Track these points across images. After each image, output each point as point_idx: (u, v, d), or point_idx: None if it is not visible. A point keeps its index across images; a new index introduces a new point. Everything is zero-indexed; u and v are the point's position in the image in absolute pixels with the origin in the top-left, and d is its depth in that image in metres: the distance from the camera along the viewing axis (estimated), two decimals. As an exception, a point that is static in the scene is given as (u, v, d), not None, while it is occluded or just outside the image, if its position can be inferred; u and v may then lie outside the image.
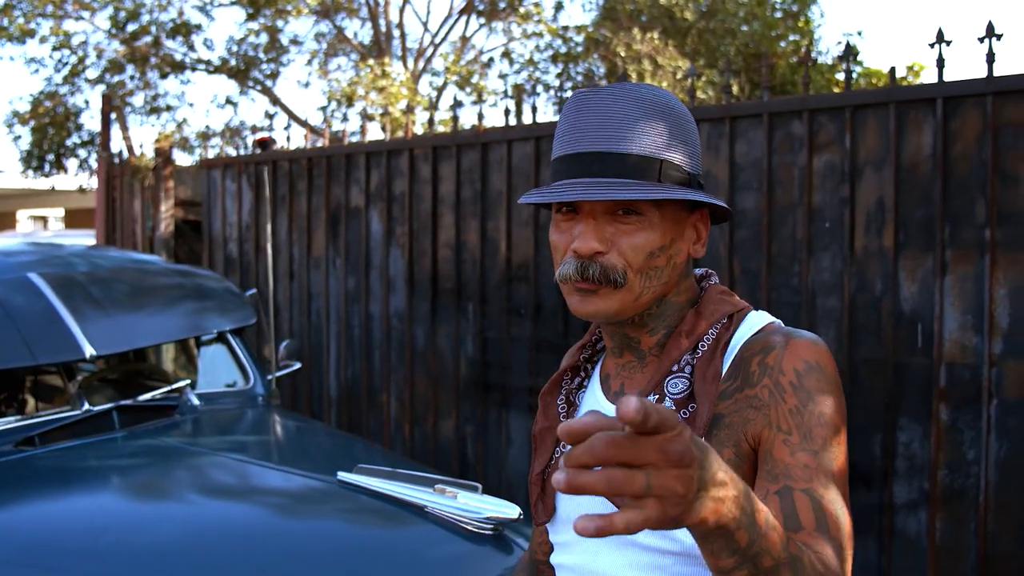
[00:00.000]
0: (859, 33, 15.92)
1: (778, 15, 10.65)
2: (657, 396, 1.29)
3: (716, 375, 1.27)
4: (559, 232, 1.32)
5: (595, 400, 1.41)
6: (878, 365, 3.73)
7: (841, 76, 10.77)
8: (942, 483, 3.59)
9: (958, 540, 3.55)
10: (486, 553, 2.29)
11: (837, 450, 1.20)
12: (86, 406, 3.21)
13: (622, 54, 7.78)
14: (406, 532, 2.42)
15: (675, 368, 1.30)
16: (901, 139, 3.66)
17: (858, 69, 11.15)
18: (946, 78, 3.60)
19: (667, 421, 0.80)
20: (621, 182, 1.24)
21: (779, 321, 1.36)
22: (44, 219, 34.37)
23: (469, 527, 2.33)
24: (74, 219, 26.41)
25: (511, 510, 2.36)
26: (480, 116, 5.11)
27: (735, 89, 7.76)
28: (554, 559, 1.42)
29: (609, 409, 1.37)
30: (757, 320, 1.34)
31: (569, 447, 1.36)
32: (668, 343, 1.33)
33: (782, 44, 10.41)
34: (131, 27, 10.02)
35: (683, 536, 1.23)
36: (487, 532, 2.33)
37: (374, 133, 5.83)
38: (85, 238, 11.46)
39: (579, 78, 9.64)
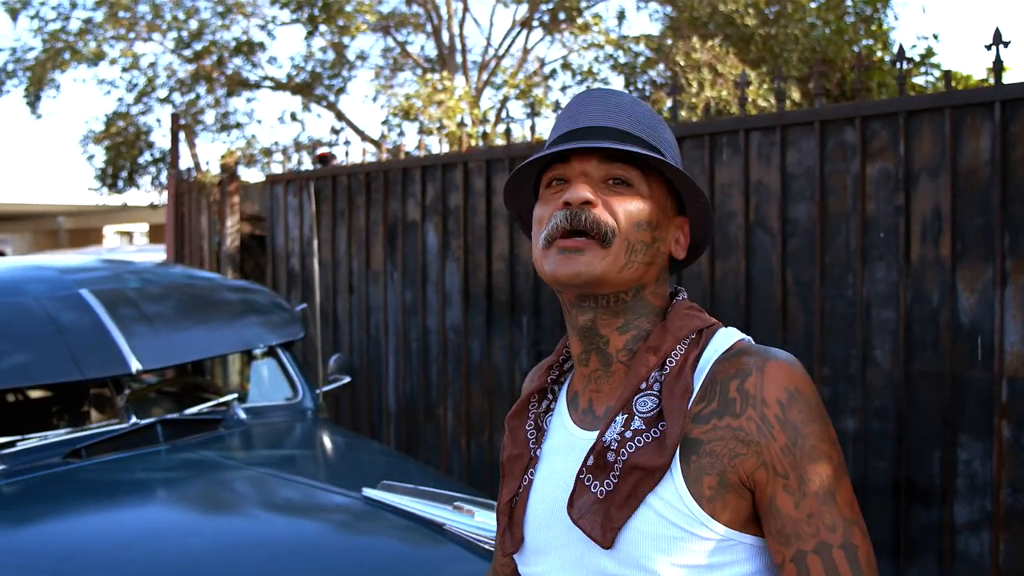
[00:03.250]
0: (935, 36, 15.53)
1: (850, 19, 10.45)
2: (626, 415, 1.25)
3: (686, 391, 1.23)
4: (545, 203, 1.31)
5: (562, 423, 1.37)
6: (936, 379, 3.60)
7: (919, 80, 10.53)
8: (1005, 503, 3.45)
9: (1022, 562, 3.41)
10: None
11: (836, 481, 1.18)
12: (133, 419, 3.26)
13: (681, 63, 7.70)
14: (424, 550, 2.41)
15: (643, 386, 1.27)
16: (957, 145, 3.54)
17: (936, 73, 10.88)
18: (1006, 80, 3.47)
19: None
20: (620, 144, 1.25)
21: (749, 338, 1.33)
22: (130, 234, 35.33)
23: (485, 545, 2.32)
24: (157, 234, 27.09)
25: (527, 529, 2.33)
26: (532, 128, 5.09)
27: (797, 96, 7.62)
28: None
29: (576, 432, 1.33)
30: (727, 337, 1.30)
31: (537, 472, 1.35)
32: (635, 359, 1.29)
33: (855, 49, 10.20)
34: (196, 47, 10.25)
35: (656, 566, 1.19)
36: (504, 551, 2.31)
37: (433, 148, 5.85)
38: (161, 254, 11.72)
39: (646, 89, 9.57)
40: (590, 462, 1.24)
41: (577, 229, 1.25)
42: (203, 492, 2.90)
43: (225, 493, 2.89)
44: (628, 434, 1.23)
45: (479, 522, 2.34)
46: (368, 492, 2.63)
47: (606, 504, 1.21)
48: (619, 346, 1.31)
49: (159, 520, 2.69)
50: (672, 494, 1.19)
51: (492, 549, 2.31)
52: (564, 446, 1.33)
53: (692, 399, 1.23)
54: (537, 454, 1.36)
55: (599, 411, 1.32)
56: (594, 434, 1.29)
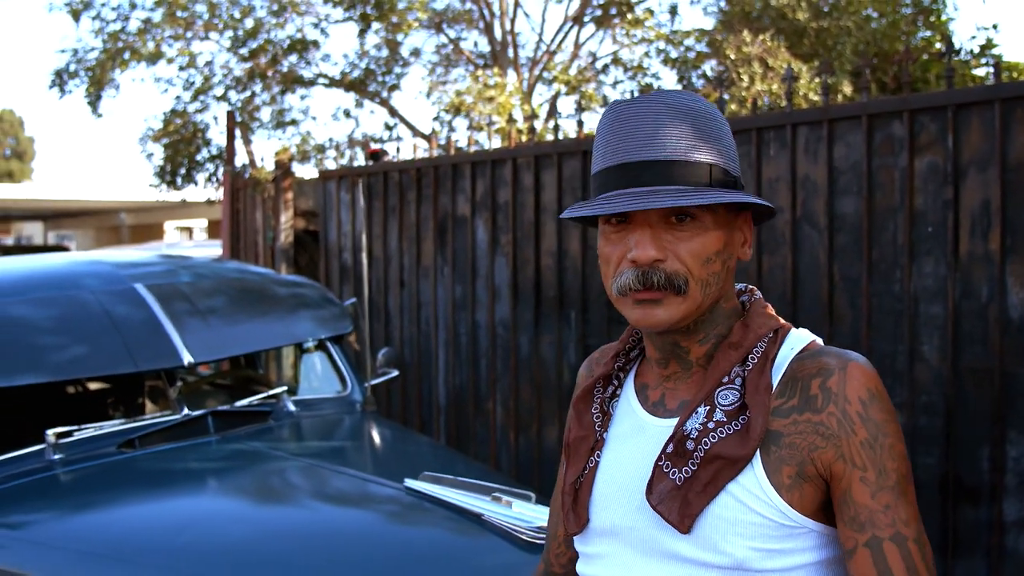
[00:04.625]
0: (995, 27, 15.23)
1: (907, 11, 10.29)
2: (708, 407, 1.28)
3: (768, 387, 1.27)
4: (610, 244, 1.31)
5: (630, 410, 1.39)
6: (985, 375, 3.56)
7: (980, 72, 10.34)
8: (1055, 500, 3.40)
9: (1072, 560, 3.37)
10: (537, 562, 2.29)
11: (908, 483, 1.23)
12: (185, 411, 3.34)
13: (731, 57, 7.65)
14: (462, 540, 2.45)
15: (725, 380, 1.30)
16: (1007, 138, 3.50)
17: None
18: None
19: None
20: (673, 189, 1.24)
21: (820, 339, 1.36)
22: (190, 230, 35.95)
23: (523, 536, 2.35)
24: (215, 230, 27.55)
25: (562, 519, 2.36)
26: (580, 124, 5.11)
27: (849, 91, 7.53)
28: (582, 570, 1.39)
29: (647, 419, 1.36)
30: (801, 338, 1.34)
31: (604, 455, 1.37)
32: (717, 354, 1.32)
33: (913, 41, 10.05)
34: (251, 45, 10.40)
35: (733, 549, 1.23)
36: (540, 541, 2.34)
37: (483, 143, 5.91)
38: (218, 249, 11.92)
39: (699, 83, 9.52)
40: (669, 449, 1.27)
41: (650, 287, 1.27)
42: (251, 482, 2.98)
43: (271, 483, 2.96)
44: (711, 425, 1.26)
45: (517, 512, 2.39)
46: (409, 483, 2.68)
47: (684, 491, 1.24)
48: (700, 354, 1.34)
49: (209, 508, 2.78)
50: (752, 482, 1.23)
51: (529, 539, 2.35)
52: (633, 431, 1.36)
53: (772, 394, 1.28)
54: (603, 437, 1.39)
55: (671, 404, 1.35)
56: (667, 422, 1.33)
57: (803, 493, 1.22)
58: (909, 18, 10.08)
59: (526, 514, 2.37)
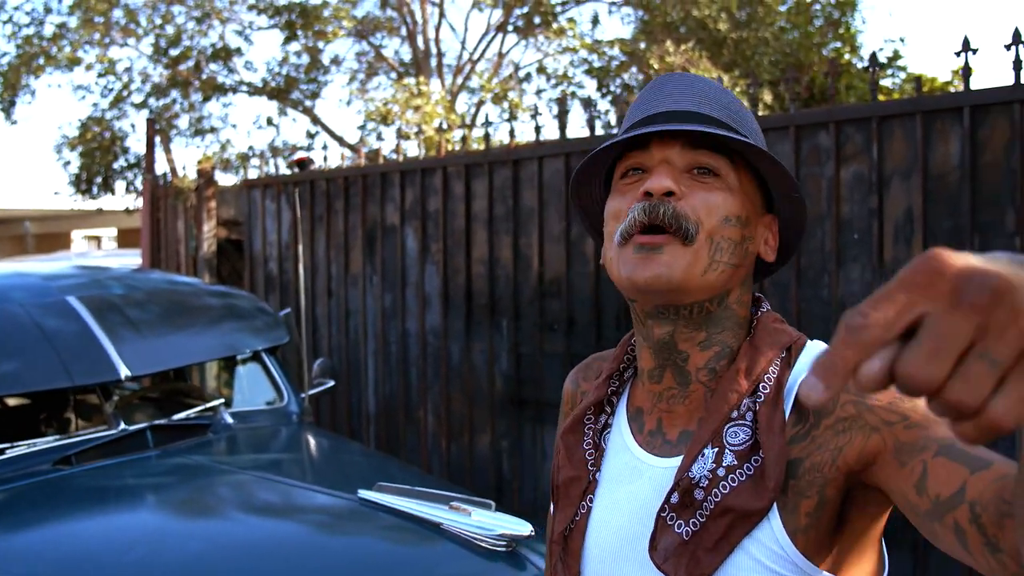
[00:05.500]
0: (901, 40, 15.75)
1: (818, 22, 10.59)
2: (717, 449, 1.11)
3: (782, 425, 1.10)
4: (620, 195, 1.17)
5: (623, 444, 1.23)
6: (910, 377, 3.68)
7: (886, 83, 10.69)
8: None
9: None
10: (499, 570, 2.31)
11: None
12: (122, 425, 3.28)
13: (655, 66, 7.78)
14: (422, 549, 2.45)
15: (734, 415, 1.13)
16: (928, 149, 3.64)
17: (902, 75, 11.05)
18: (975, 86, 3.57)
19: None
20: (708, 127, 1.11)
21: None
22: (98, 239, 35.04)
23: (483, 544, 2.36)
24: (126, 239, 26.91)
25: (523, 527, 2.38)
26: (511, 133, 5.15)
27: (768, 100, 7.73)
28: None
29: (643, 457, 1.20)
30: (816, 352, 1.10)
31: (597, 499, 1.18)
32: (723, 381, 1.15)
33: (823, 52, 10.34)
34: (173, 52, 10.24)
35: None
36: (500, 549, 2.36)
37: (411, 152, 5.91)
38: (132, 258, 11.69)
39: (619, 91, 9.65)
40: (674, 500, 1.11)
41: (656, 224, 1.11)
42: (198, 496, 2.93)
43: (220, 497, 2.92)
44: (721, 472, 1.10)
45: (477, 521, 2.39)
46: (363, 493, 2.68)
47: (692, 547, 1.09)
48: (699, 364, 1.17)
49: (158, 524, 2.72)
50: (768, 536, 1.07)
51: (490, 547, 2.36)
52: (628, 472, 1.20)
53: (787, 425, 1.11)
54: (596, 477, 1.22)
55: (671, 434, 1.20)
56: (667, 461, 1.17)
57: (820, 530, 1.07)
58: (821, 30, 10.37)
59: (486, 522, 2.38)
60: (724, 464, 1.10)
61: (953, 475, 0.94)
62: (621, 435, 1.24)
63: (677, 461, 1.15)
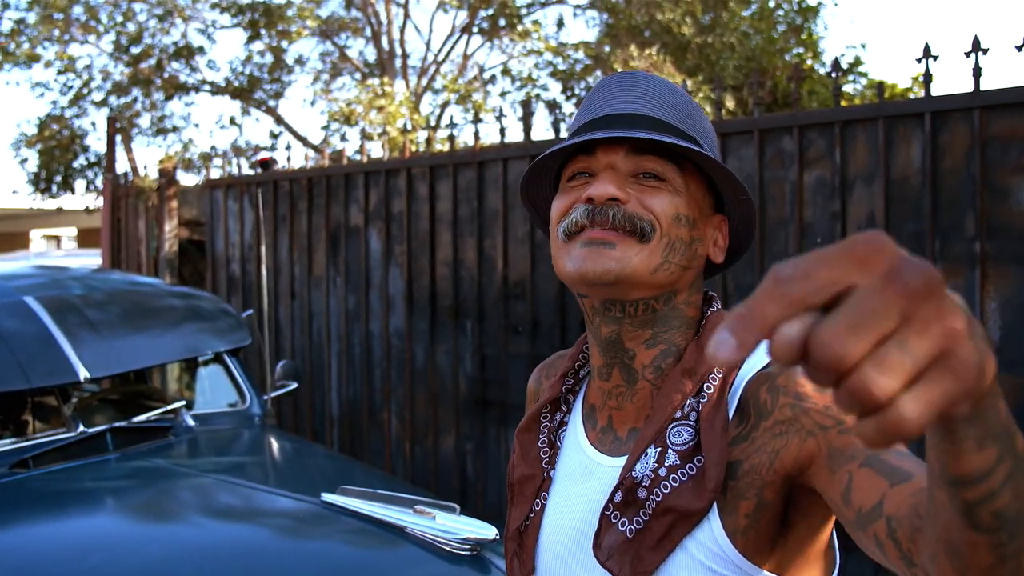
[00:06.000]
0: (863, 46, 15.93)
1: (781, 28, 10.68)
2: (659, 448, 1.12)
3: (724, 426, 1.10)
4: (565, 195, 1.17)
5: (577, 443, 1.24)
6: (871, 379, 3.72)
7: (847, 88, 10.80)
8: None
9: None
10: (463, 574, 2.30)
11: None
12: (81, 428, 3.24)
13: (619, 70, 7.81)
14: (386, 553, 2.44)
15: (678, 415, 1.13)
16: (890, 154, 3.67)
17: (863, 81, 11.17)
18: (936, 92, 3.61)
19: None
20: (652, 134, 1.12)
21: None
22: (57, 239, 34.59)
23: (447, 548, 2.35)
24: (86, 238, 26.59)
25: (488, 531, 2.38)
26: (476, 135, 5.14)
27: (731, 105, 7.79)
28: None
29: (594, 456, 1.21)
30: (764, 355, 1.11)
31: (551, 497, 1.20)
32: (667, 380, 1.15)
33: (786, 57, 10.43)
34: (134, 50, 10.13)
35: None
36: (464, 552, 2.34)
37: (374, 153, 5.89)
38: (92, 258, 11.55)
39: (583, 94, 9.67)
40: (618, 498, 1.12)
41: (604, 224, 1.11)
42: (158, 500, 2.89)
43: (181, 501, 2.89)
44: (662, 471, 1.11)
45: (441, 524, 2.38)
46: (327, 497, 2.65)
47: (635, 545, 1.10)
48: (645, 361, 1.18)
49: (116, 528, 2.68)
50: (708, 536, 1.08)
51: (454, 551, 2.35)
52: (581, 470, 1.22)
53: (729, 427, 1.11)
54: (551, 475, 1.24)
55: (621, 432, 1.21)
56: (615, 461, 1.18)
57: (760, 532, 1.08)
58: (784, 36, 10.46)
59: (450, 526, 2.37)
60: (666, 464, 1.11)
61: (874, 487, 0.94)
62: (576, 433, 1.25)
63: (624, 460, 1.17)
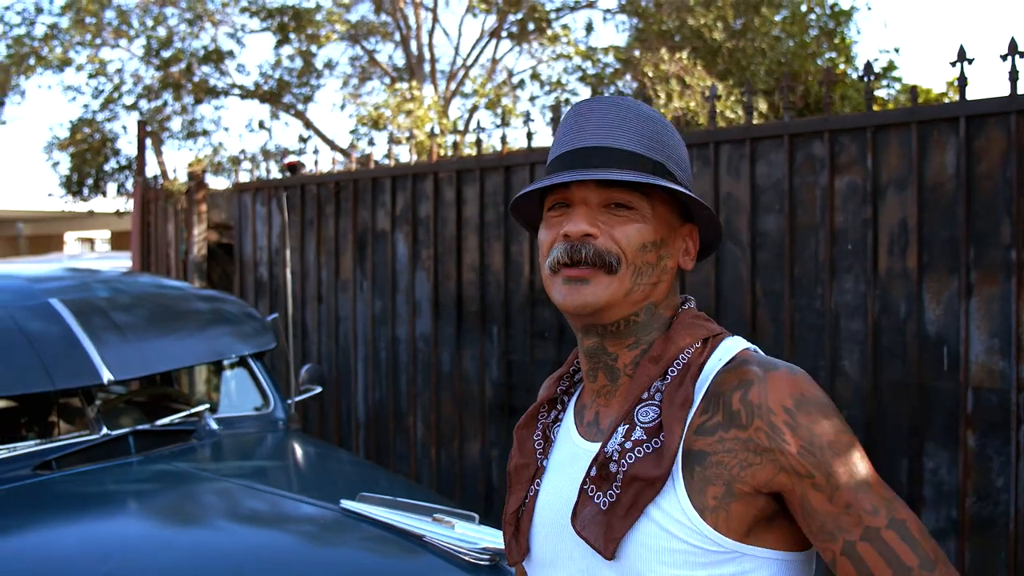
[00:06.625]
0: (896, 50, 15.78)
1: (814, 32, 10.58)
2: (628, 425, 1.25)
3: (685, 400, 1.23)
4: (548, 228, 1.32)
5: (568, 435, 1.38)
6: (903, 389, 3.66)
7: (881, 93, 10.69)
8: (970, 511, 3.50)
9: (987, 570, 3.47)
10: (482, 583, 2.27)
11: (863, 466, 1.17)
12: (104, 430, 3.23)
13: (650, 74, 7.77)
14: (404, 562, 2.40)
15: (645, 396, 1.27)
16: (923, 159, 3.61)
17: (897, 86, 11.05)
18: (970, 96, 3.54)
19: None
20: (617, 171, 1.26)
21: (754, 347, 1.32)
22: (91, 241, 34.96)
23: (466, 557, 2.32)
24: (119, 241, 26.86)
25: (507, 540, 2.34)
26: (504, 139, 5.11)
27: (764, 108, 7.71)
28: None
29: (581, 444, 1.34)
30: (732, 346, 1.30)
31: (543, 483, 1.35)
32: (638, 370, 1.29)
33: (818, 62, 10.34)
34: (165, 54, 10.19)
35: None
36: (483, 562, 2.31)
37: (402, 157, 5.88)
38: (124, 261, 11.62)
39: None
40: (593, 473, 1.24)
41: (579, 261, 1.26)
42: (178, 504, 2.88)
43: (200, 505, 2.87)
44: (628, 444, 1.23)
45: (460, 534, 2.35)
46: (346, 504, 2.63)
47: (608, 515, 1.21)
48: (627, 360, 1.32)
49: (135, 533, 2.67)
50: (674, 506, 1.19)
51: (472, 561, 2.32)
52: (569, 458, 1.34)
53: (694, 409, 1.23)
54: (544, 464, 1.38)
55: (604, 424, 1.33)
56: (595, 445, 1.30)
57: (730, 513, 1.17)
58: (817, 40, 10.37)
59: (469, 535, 2.33)
60: (632, 438, 1.24)
61: None
62: (567, 428, 1.39)
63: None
